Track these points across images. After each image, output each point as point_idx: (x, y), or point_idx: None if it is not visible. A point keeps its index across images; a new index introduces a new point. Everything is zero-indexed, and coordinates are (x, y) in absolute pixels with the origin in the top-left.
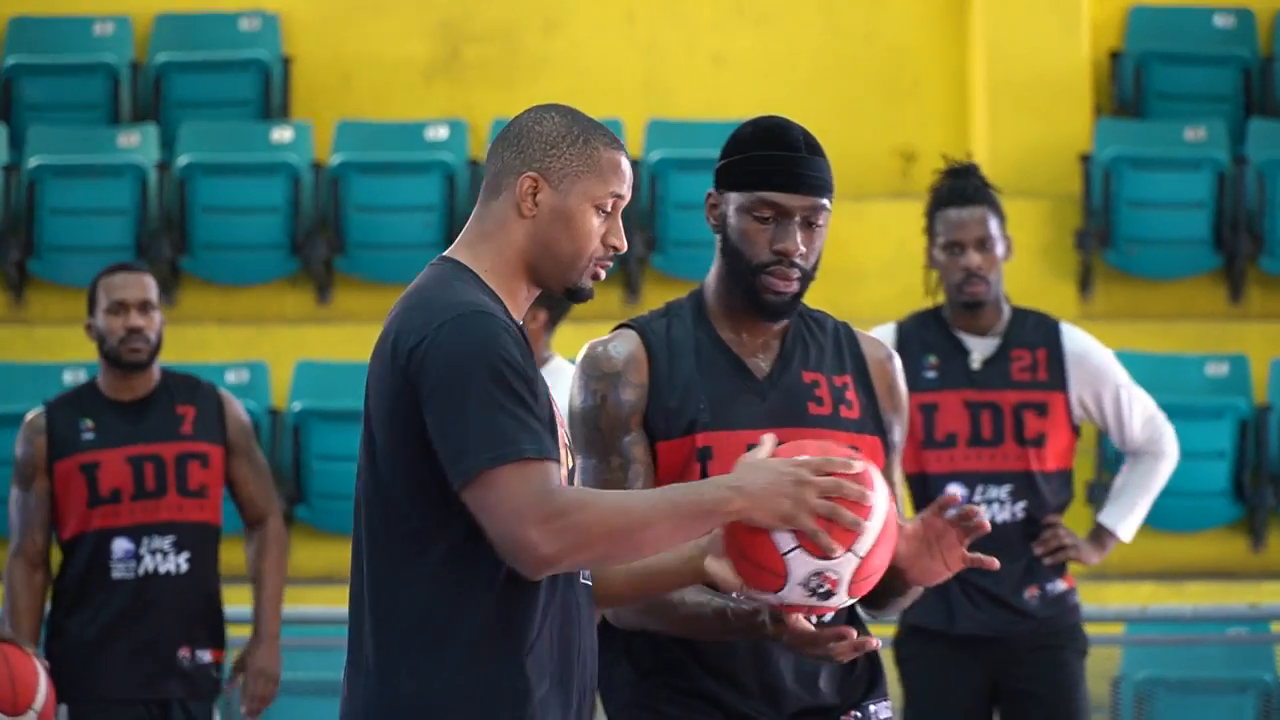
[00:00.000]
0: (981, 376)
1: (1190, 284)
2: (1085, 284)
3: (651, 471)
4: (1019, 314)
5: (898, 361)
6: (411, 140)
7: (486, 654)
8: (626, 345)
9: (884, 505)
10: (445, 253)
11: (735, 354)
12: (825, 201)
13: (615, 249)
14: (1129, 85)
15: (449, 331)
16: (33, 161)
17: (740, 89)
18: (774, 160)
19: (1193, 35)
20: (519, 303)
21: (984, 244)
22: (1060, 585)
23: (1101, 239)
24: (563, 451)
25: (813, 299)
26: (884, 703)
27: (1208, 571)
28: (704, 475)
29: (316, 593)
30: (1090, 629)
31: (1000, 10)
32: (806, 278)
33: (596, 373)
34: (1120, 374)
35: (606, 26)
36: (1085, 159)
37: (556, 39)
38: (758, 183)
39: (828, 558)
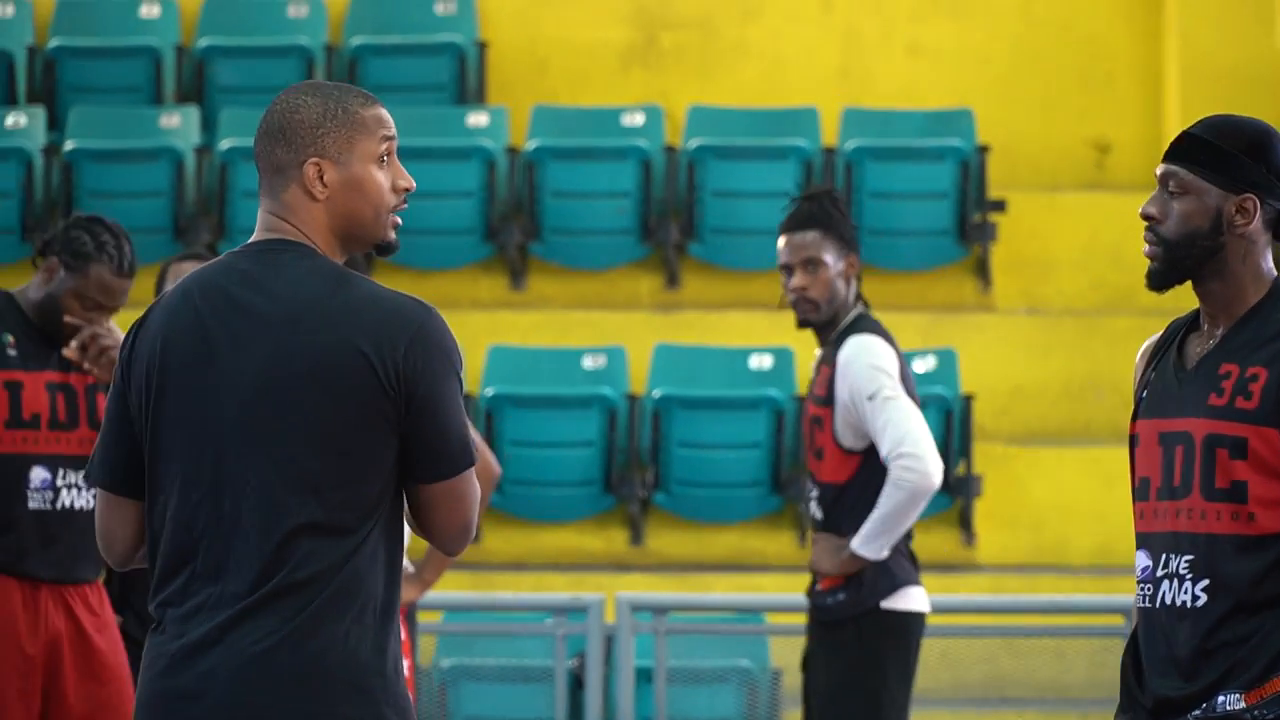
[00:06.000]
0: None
1: None
2: None
3: None
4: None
5: None
6: (608, 126)
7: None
8: (1149, 341)
9: None
10: (265, 240)
11: (1186, 344)
12: (1175, 168)
13: (406, 190)
14: None
15: (433, 330)
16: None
17: (936, 79)
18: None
19: None
20: None
21: (809, 266)
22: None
23: None
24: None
25: (1005, 289)
26: (1235, 695)
27: None
28: (1133, 461)
29: (505, 579)
30: None
31: (1195, 2)
32: (1168, 247)
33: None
34: (881, 385)
35: (804, 15)
36: None
37: (754, 27)
38: None
39: None
